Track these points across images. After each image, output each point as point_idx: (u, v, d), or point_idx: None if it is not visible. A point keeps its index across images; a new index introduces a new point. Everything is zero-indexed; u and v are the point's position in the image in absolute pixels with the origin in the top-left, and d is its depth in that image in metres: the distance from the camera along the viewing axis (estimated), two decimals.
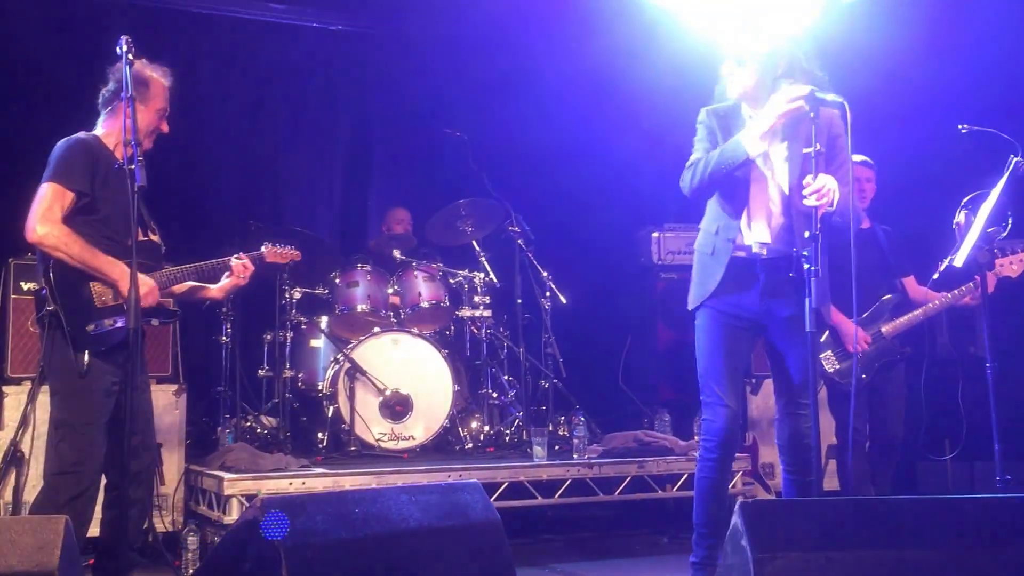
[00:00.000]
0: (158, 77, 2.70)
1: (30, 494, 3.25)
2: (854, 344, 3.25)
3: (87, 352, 2.51)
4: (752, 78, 2.62)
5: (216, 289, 2.94)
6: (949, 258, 3.13)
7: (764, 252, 2.65)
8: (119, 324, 2.55)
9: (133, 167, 2.32)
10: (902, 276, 3.66)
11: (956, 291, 3.47)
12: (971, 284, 3.39)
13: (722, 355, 2.61)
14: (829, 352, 3.48)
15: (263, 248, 3.12)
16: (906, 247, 3.72)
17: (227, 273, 2.92)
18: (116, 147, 2.64)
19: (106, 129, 2.69)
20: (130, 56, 2.42)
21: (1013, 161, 2.93)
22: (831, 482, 4.20)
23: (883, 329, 3.49)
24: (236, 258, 2.92)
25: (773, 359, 2.71)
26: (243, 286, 2.96)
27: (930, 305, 3.51)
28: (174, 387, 3.71)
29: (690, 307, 2.74)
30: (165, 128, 2.74)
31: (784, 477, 2.69)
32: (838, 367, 3.48)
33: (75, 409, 2.54)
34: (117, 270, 2.57)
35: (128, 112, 2.38)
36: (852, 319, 3.41)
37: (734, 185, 2.63)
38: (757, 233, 2.64)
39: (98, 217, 2.59)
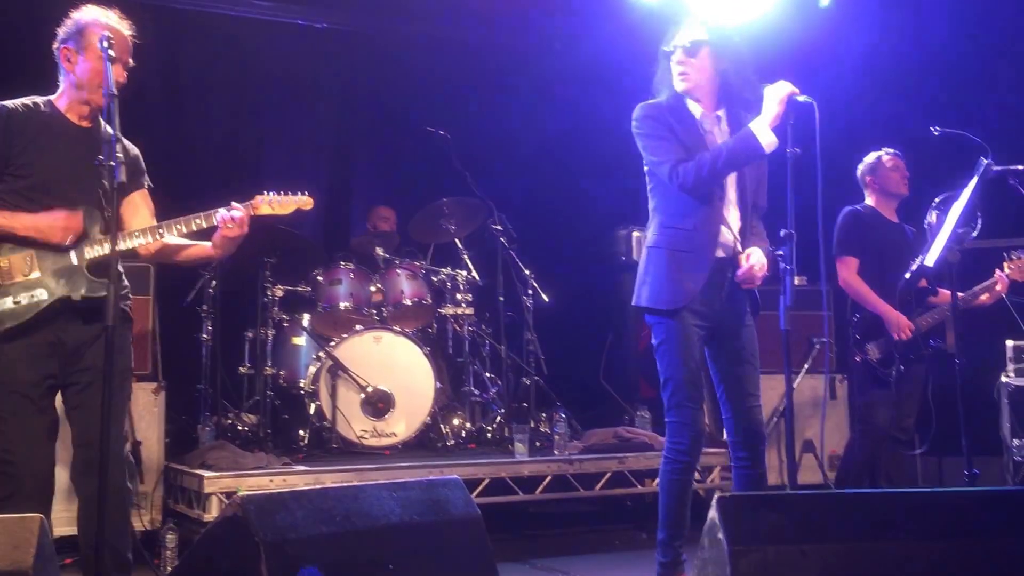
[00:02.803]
0: (92, 19, 2.42)
1: None
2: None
3: None
4: (705, 70, 2.63)
5: (211, 246, 2.55)
6: (920, 258, 3.20)
7: (737, 250, 2.68)
8: (25, 302, 2.32)
9: (112, 164, 2.20)
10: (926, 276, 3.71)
11: (972, 290, 3.50)
12: (991, 281, 3.47)
13: (694, 359, 2.61)
14: (871, 343, 3.49)
15: (256, 198, 2.57)
16: (930, 240, 3.74)
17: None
18: (68, 108, 2.44)
19: (59, 90, 2.47)
20: (111, 52, 2.31)
21: (983, 163, 2.99)
22: (808, 476, 4.27)
23: (919, 321, 3.51)
24: (225, 209, 2.49)
25: (724, 358, 2.68)
26: (239, 237, 2.49)
27: (960, 302, 3.50)
28: (153, 385, 3.68)
29: (664, 307, 2.60)
30: (119, 76, 2.40)
31: (739, 472, 2.69)
32: (879, 356, 3.49)
33: None
34: (19, 222, 2.32)
35: (108, 109, 2.25)
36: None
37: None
38: (733, 230, 2.68)
39: (26, 184, 2.37)
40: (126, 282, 2.56)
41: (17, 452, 2.33)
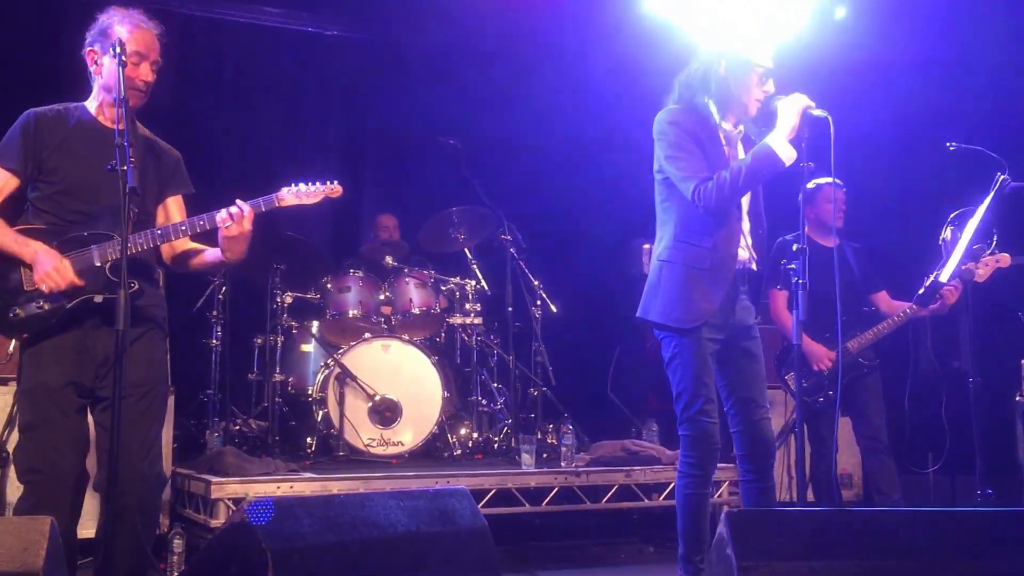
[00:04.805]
0: (116, 19, 2.42)
1: (13, 494, 3.23)
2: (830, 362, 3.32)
3: (17, 342, 2.33)
4: (750, 83, 2.59)
5: (217, 250, 2.49)
6: (935, 273, 3.18)
7: (752, 266, 2.67)
8: (48, 306, 2.31)
9: (125, 168, 2.16)
10: (872, 292, 3.73)
11: (912, 309, 3.52)
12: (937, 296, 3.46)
13: (710, 372, 2.59)
14: (791, 373, 3.57)
15: (282, 190, 2.49)
16: (876, 263, 3.78)
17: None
18: (99, 111, 2.46)
19: (91, 94, 2.49)
20: (123, 58, 2.31)
21: (999, 179, 2.97)
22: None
23: (849, 344, 3.58)
24: (226, 210, 2.40)
25: (733, 370, 2.65)
26: (242, 236, 2.41)
27: (895, 317, 3.58)
28: None
29: (676, 325, 2.56)
30: (146, 75, 2.40)
31: (747, 486, 2.66)
32: (804, 385, 3.57)
33: (22, 409, 2.36)
34: (27, 250, 2.31)
35: (121, 113, 2.24)
36: (820, 338, 3.55)
37: None
38: (749, 247, 2.67)
39: (56, 189, 2.38)
40: (162, 291, 2.54)
41: (44, 462, 2.31)
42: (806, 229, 3.68)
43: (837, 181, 3.68)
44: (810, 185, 3.71)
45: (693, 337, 2.57)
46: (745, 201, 2.68)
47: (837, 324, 2.57)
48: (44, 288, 2.31)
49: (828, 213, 3.66)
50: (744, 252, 2.66)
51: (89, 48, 2.45)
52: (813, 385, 3.59)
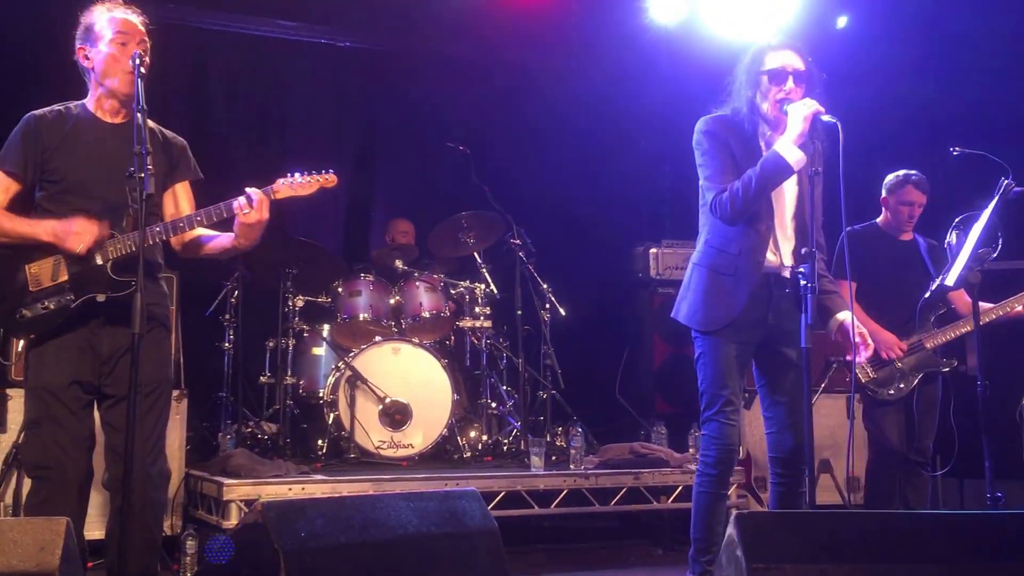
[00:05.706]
0: (97, 14, 2.46)
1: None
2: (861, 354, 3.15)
3: (24, 341, 2.38)
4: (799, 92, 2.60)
5: (233, 237, 2.49)
6: (941, 277, 3.18)
7: (784, 272, 2.66)
8: (54, 306, 2.34)
9: (143, 175, 2.19)
10: (949, 290, 3.62)
11: (1004, 302, 3.38)
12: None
13: (732, 375, 2.61)
14: (864, 362, 3.37)
15: (277, 181, 2.49)
16: (951, 260, 3.69)
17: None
18: (98, 106, 2.48)
19: (89, 92, 2.50)
20: (143, 70, 2.34)
21: (1003, 183, 2.98)
22: (825, 496, 4.22)
23: (926, 342, 3.44)
24: (244, 197, 2.42)
25: (770, 373, 2.69)
26: (258, 223, 2.42)
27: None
28: (176, 392, 3.72)
29: (699, 327, 2.64)
30: (133, 58, 2.38)
31: (776, 490, 2.68)
32: (873, 376, 3.41)
33: (28, 406, 2.39)
34: (41, 229, 2.34)
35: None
36: (890, 328, 3.41)
37: (761, 204, 2.60)
38: (781, 252, 2.65)
39: (60, 187, 2.41)
40: (164, 288, 2.57)
41: (52, 458, 2.34)
42: (881, 219, 3.66)
43: (919, 177, 3.55)
44: (891, 177, 3.61)
45: (717, 339, 2.61)
46: (791, 200, 2.66)
47: (853, 324, 2.55)
48: (80, 251, 2.32)
49: (903, 216, 3.56)
50: (773, 256, 2.64)
51: (79, 47, 2.48)
52: (884, 377, 3.39)
